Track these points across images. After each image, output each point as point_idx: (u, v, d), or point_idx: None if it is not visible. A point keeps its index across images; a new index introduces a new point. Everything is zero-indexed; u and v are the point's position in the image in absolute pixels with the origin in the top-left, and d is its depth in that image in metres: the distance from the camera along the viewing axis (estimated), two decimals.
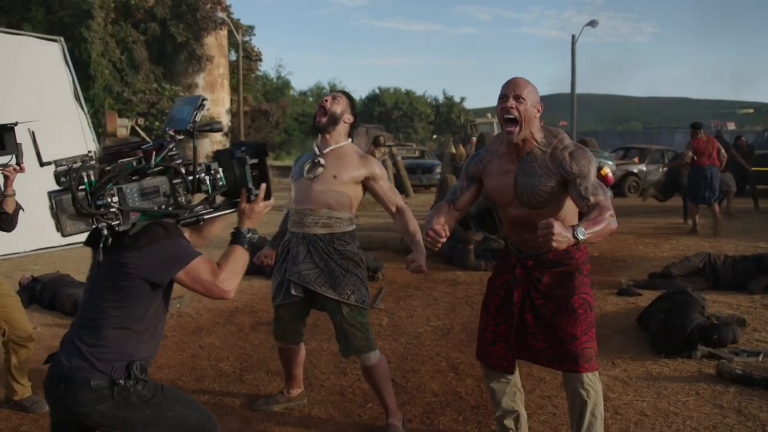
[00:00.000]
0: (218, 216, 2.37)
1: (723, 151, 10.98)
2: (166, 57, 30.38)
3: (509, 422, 3.27)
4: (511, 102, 2.76)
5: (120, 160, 2.15)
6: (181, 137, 2.22)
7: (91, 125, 10.99)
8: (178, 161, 2.19)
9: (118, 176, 2.10)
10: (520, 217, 2.93)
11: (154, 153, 2.17)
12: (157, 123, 29.69)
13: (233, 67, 33.31)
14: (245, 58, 33.97)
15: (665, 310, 5.07)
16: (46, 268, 7.80)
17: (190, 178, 2.19)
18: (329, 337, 5.11)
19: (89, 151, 2.15)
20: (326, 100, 3.50)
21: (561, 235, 2.45)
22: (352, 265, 3.49)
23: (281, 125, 37.84)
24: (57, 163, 2.05)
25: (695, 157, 10.64)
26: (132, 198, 2.10)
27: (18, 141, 3.74)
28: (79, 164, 2.04)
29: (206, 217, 2.30)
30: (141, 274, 2.16)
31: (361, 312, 3.47)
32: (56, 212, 2.03)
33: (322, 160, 3.46)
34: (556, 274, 2.93)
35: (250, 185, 2.28)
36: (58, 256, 8.76)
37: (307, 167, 3.49)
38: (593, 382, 2.92)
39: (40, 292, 6.24)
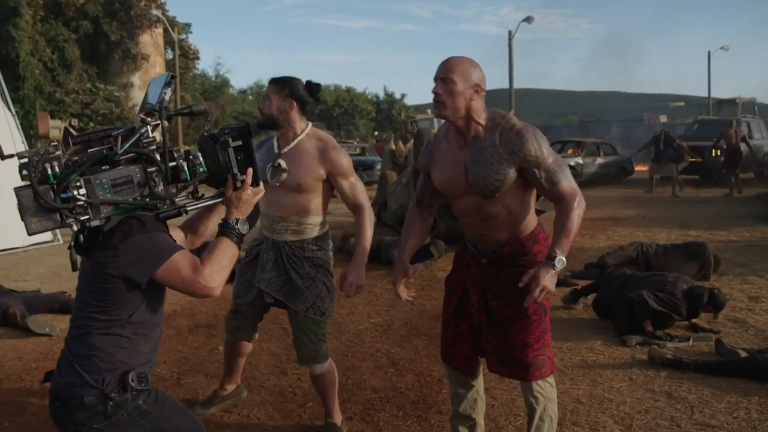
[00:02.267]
0: (202, 206, 2.19)
1: None
2: (99, 56, 29.68)
3: (463, 429, 3.10)
4: (438, 86, 2.65)
5: (89, 150, 1.96)
6: (157, 122, 2.03)
7: (20, 127, 10.61)
8: (152, 147, 1.99)
9: (84, 166, 1.90)
10: (474, 207, 2.79)
11: (121, 139, 1.97)
12: (92, 124, 28.97)
13: (170, 66, 32.71)
14: (182, 57, 33.42)
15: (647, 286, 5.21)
16: None
17: (171, 165, 2.00)
18: (269, 338, 5.07)
19: (53, 141, 1.97)
20: (260, 105, 3.35)
21: (548, 281, 2.54)
22: (321, 273, 3.38)
23: (220, 124, 37.34)
24: (19, 155, 1.86)
25: None
26: (102, 190, 1.91)
27: None
28: (40, 155, 1.85)
29: (189, 208, 2.12)
30: (118, 274, 1.99)
31: (316, 322, 3.38)
32: (20, 209, 1.86)
33: (283, 164, 3.29)
34: (512, 275, 2.75)
35: (235, 171, 2.09)
36: None
37: (269, 172, 3.31)
38: (543, 389, 2.84)
39: None
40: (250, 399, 4.03)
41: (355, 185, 3.36)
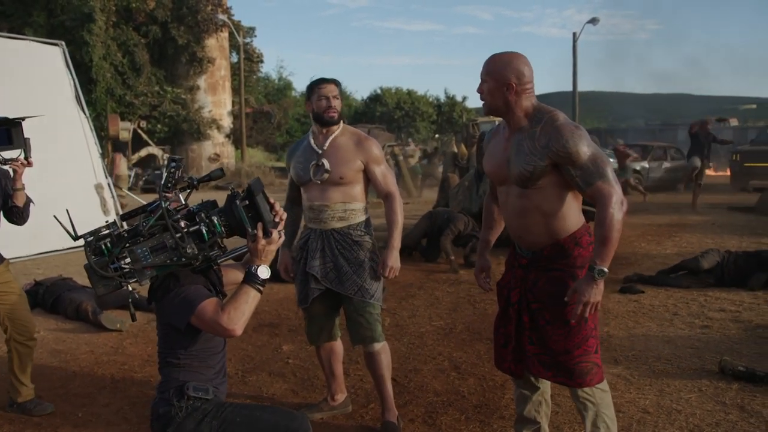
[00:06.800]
0: (230, 257, 2.58)
1: None
2: (167, 59, 30.43)
3: None
4: (479, 84, 2.76)
5: (134, 224, 2.38)
6: (171, 194, 2.43)
7: (93, 128, 11.00)
8: (177, 217, 2.36)
9: (122, 241, 2.31)
10: (510, 198, 2.80)
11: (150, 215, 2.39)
12: (159, 126, 29.76)
13: (234, 69, 33.32)
14: (247, 60, 33.99)
15: None
16: (49, 272, 7.82)
17: (193, 229, 2.37)
18: None
19: (106, 220, 2.40)
20: (334, 104, 3.51)
21: (591, 294, 2.54)
22: (369, 258, 3.53)
23: (283, 126, 37.87)
24: (84, 237, 2.32)
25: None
26: (144, 256, 2.32)
27: (26, 136, 3.76)
28: (91, 238, 2.31)
29: (219, 261, 2.53)
30: (165, 321, 2.47)
31: (370, 304, 3.51)
32: (89, 278, 2.32)
33: (326, 164, 3.49)
34: (552, 280, 2.73)
35: (248, 227, 2.39)
36: (60, 260, 8.78)
37: (312, 170, 3.52)
38: (591, 395, 2.76)
39: (43, 295, 6.25)
40: (312, 399, 4.08)
41: (386, 173, 3.61)
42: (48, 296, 6.22)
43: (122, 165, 18.10)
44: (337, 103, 3.52)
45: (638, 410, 3.81)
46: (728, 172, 20.02)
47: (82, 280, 6.95)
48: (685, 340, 5.09)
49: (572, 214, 2.75)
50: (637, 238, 10.22)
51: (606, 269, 2.54)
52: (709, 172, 18.09)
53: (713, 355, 4.67)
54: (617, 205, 2.55)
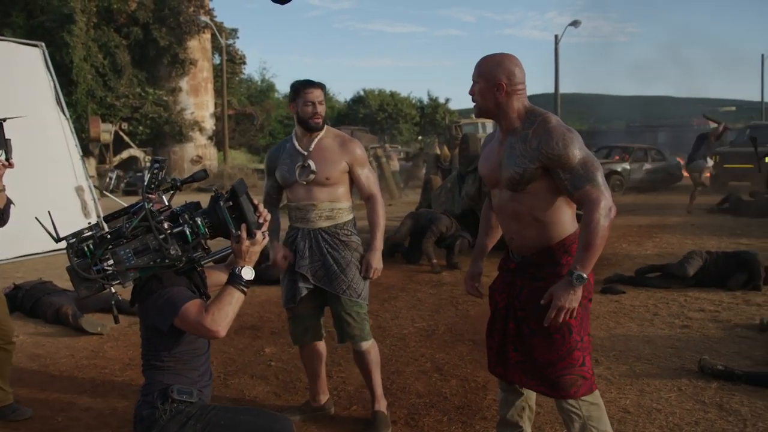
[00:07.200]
0: (213, 259, 2.58)
1: None
2: (149, 61, 30.25)
3: None
4: (471, 86, 2.75)
5: (117, 226, 2.37)
6: (154, 195, 2.44)
7: (73, 130, 10.91)
8: (160, 218, 2.36)
9: (105, 243, 2.30)
10: (502, 202, 2.76)
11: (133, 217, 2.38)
12: (141, 128, 29.60)
13: (217, 71, 33.19)
14: (229, 62, 33.87)
15: None
16: (28, 275, 7.73)
17: (177, 230, 2.36)
18: None
19: (89, 222, 2.39)
20: (319, 109, 3.53)
21: (567, 300, 2.47)
22: (355, 257, 3.58)
23: (266, 128, 37.78)
24: (67, 239, 2.31)
25: None
26: (127, 258, 2.31)
27: (6, 137, 3.72)
28: (74, 240, 2.30)
29: (203, 262, 2.52)
30: (148, 323, 2.46)
31: (358, 303, 3.55)
32: (71, 280, 2.31)
33: (312, 165, 3.52)
34: (535, 290, 2.64)
35: (231, 228, 2.39)
36: (41, 263, 8.69)
37: (297, 171, 3.54)
38: (577, 407, 2.65)
39: (22, 299, 6.18)
40: (294, 401, 4.07)
41: (369, 176, 3.67)
42: (27, 300, 6.15)
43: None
44: (322, 109, 3.55)
45: (619, 410, 3.83)
46: (708, 174, 20.20)
47: (62, 283, 6.89)
48: (665, 339, 5.13)
49: (564, 220, 2.70)
50: (618, 239, 10.29)
51: (585, 275, 2.47)
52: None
53: (693, 354, 4.72)
54: (604, 211, 2.50)
